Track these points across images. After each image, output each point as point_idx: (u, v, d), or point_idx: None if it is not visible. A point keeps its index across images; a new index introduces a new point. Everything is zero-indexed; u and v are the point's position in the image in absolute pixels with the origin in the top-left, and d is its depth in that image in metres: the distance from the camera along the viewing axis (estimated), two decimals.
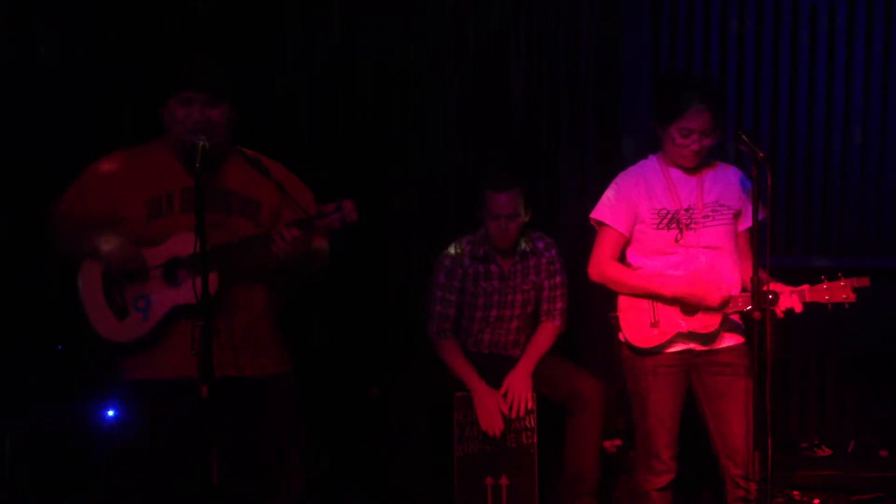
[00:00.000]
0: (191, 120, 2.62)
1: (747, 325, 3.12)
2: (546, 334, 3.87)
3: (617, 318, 3.30)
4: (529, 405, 3.70)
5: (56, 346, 3.85)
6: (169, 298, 2.63)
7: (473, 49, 4.58)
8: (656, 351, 3.22)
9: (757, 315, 2.93)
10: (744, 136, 3.02)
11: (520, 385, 3.71)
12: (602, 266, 3.30)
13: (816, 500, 4.00)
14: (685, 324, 3.18)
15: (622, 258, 3.34)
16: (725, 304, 3.13)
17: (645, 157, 3.41)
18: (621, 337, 3.29)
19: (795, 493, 4.04)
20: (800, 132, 4.63)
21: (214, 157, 2.65)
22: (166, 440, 2.63)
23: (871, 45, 4.57)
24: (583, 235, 4.55)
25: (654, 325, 3.21)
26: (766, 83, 4.62)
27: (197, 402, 2.41)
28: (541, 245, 3.90)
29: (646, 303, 3.23)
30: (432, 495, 3.68)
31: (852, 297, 3.03)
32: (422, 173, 4.59)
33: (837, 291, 3.04)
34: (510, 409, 3.69)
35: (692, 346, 3.21)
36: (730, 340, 3.22)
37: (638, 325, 3.23)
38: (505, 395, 3.71)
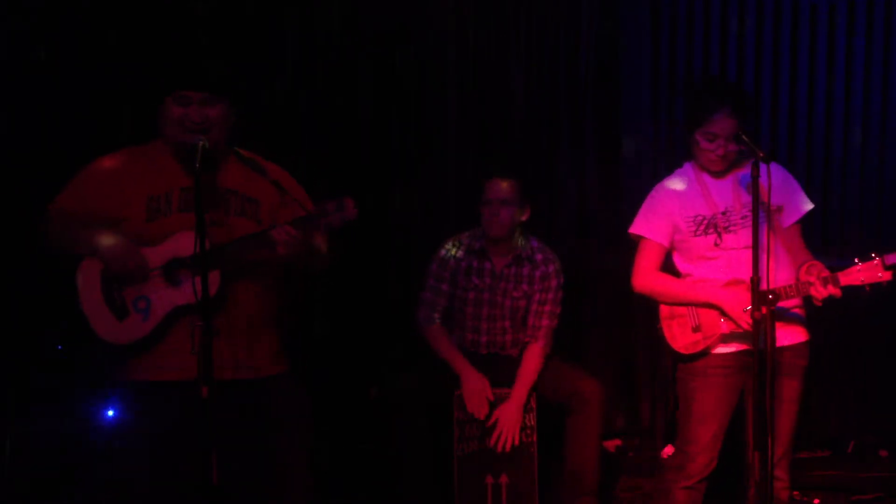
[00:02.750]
0: (188, 119, 2.62)
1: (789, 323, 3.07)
2: (532, 361, 3.80)
3: (661, 329, 3.25)
4: (516, 442, 3.67)
5: (56, 346, 3.85)
6: (169, 299, 2.62)
7: (473, 49, 4.58)
8: (703, 355, 3.17)
9: (757, 315, 2.91)
10: (744, 136, 3.01)
11: (510, 419, 3.69)
12: (645, 278, 3.27)
13: (816, 500, 3.99)
14: (725, 325, 3.12)
15: (671, 266, 3.30)
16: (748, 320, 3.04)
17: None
18: (669, 346, 3.23)
19: (795, 493, 4.02)
20: (800, 132, 4.64)
21: (213, 157, 2.65)
22: (166, 441, 2.63)
23: (871, 45, 4.58)
24: (582, 236, 4.60)
25: (697, 329, 3.16)
26: (766, 83, 4.62)
27: (197, 403, 2.41)
28: (539, 257, 3.87)
29: (685, 309, 3.19)
30: (432, 495, 3.68)
31: (887, 274, 2.94)
32: (422, 173, 4.59)
33: (872, 271, 2.95)
34: (496, 441, 3.67)
35: (742, 346, 3.13)
36: (788, 339, 3.13)
37: (682, 333, 3.19)
38: (494, 425, 3.69)
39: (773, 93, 4.62)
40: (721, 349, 3.16)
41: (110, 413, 3.54)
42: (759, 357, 2.86)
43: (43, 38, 4.10)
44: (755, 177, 2.94)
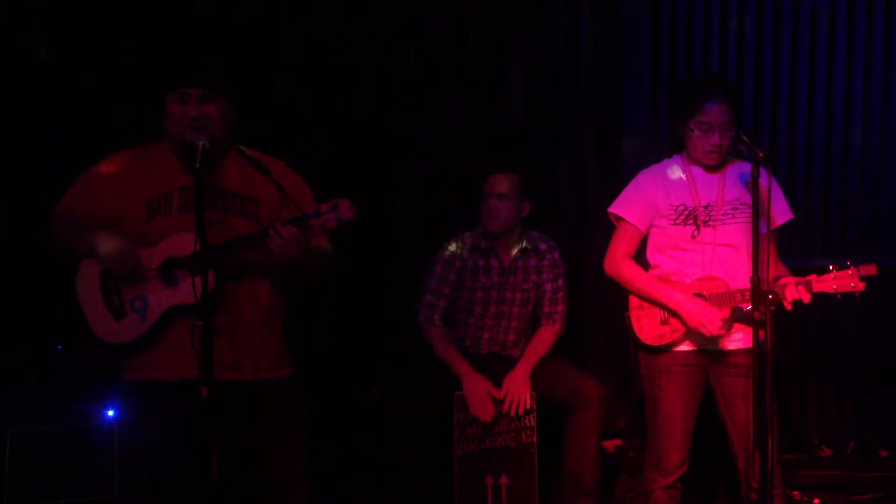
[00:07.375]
0: (188, 116, 2.63)
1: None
2: (546, 337, 3.87)
3: (629, 317, 3.30)
4: (527, 405, 3.70)
5: (56, 346, 3.85)
6: (166, 298, 2.63)
7: (473, 49, 4.58)
8: (668, 348, 3.22)
9: (757, 315, 2.92)
10: (744, 136, 3.03)
11: (518, 387, 3.71)
12: (617, 262, 3.33)
13: (816, 500, 4.00)
14: None
15: (641, 255, 3.34)
16: (718, 337, 3.14)
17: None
18: (635, 336, 3.28)
19: (795, 493, 4.03)
20: (800, 132, 4.64)
21: (213, 156, 2.65)
22: (166, 441, 2.63)
23: (871, 45, 4.58)
24: (582, 236, 4.60)
25: (665, 322, 3.22)
26: (766, 83, 4.63)
27: (197, 403, 2.41)
28: (543, 246, 3.91)
29: None
30: (432, 495, 3.68)
31: (861, 285, 3.01)
32: (422, 174, 4.59)
33: (845, 280, 3.01)
34: (508, 408, 3.68)
35: (705, 344, 3.20)
36: (745, 342, 3.19)
37: (649, 324, 3.25)
38: (503, 398, 3.70)
39: (773, 93, 4.62)
40: (684, 346, 3.22)
41: (110, 413, 3.55)
42: (760, 358, 2.88)
43: (44, 38, 4.10)
44: (755, 176, 2.96)
